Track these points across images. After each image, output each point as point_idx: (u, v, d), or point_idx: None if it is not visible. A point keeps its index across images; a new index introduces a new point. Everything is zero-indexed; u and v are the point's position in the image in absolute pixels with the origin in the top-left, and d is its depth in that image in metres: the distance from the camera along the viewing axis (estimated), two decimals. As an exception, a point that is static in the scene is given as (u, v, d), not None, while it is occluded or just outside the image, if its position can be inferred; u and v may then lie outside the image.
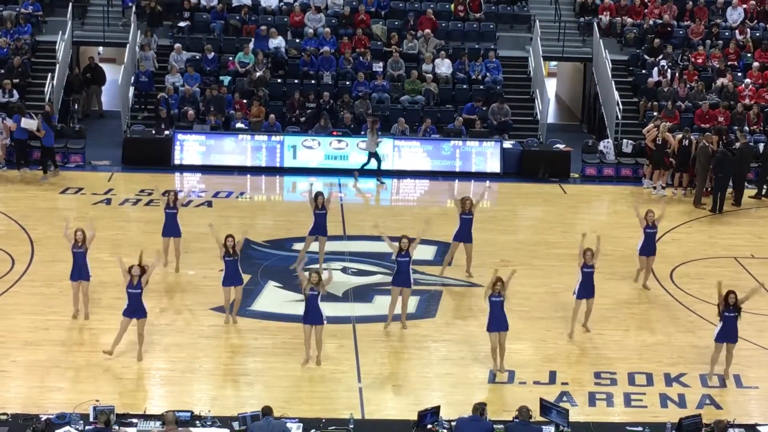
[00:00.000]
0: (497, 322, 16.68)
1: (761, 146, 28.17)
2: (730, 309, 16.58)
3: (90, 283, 18.03)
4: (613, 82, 30.89)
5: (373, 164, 27.49)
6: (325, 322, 16.73)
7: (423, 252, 21.03)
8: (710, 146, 26.46)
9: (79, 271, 17.85)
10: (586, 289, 18.05)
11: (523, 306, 19.24)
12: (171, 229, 20.18)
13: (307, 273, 16.84)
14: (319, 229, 20.30)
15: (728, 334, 16.72)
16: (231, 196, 25.88)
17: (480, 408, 13.88)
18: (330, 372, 16.68)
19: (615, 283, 20.55)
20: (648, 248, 20.21)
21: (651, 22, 33.55)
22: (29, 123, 26.33)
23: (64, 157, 27.83)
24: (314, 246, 20.49)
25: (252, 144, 28.18)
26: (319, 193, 20.32)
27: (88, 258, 17.94)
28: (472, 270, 20.69)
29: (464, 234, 20.49)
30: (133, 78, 30.63)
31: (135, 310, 16.53)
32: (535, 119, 31.36)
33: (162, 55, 31.74)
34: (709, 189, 26.65)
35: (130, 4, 32.40)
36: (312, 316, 16.64)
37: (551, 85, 37.66)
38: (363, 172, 27.46)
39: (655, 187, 27.29)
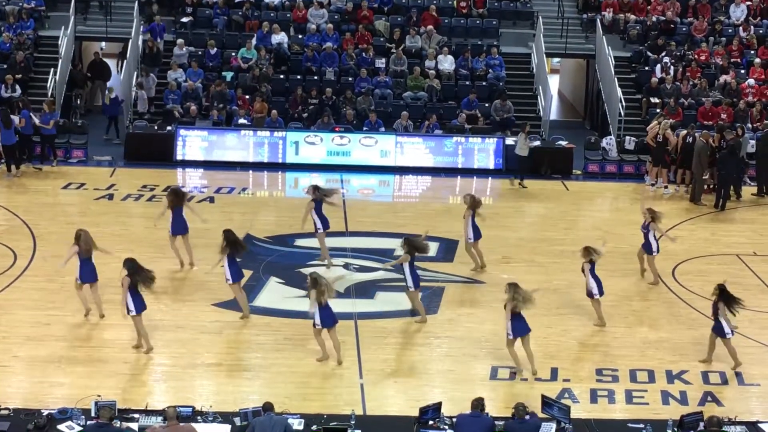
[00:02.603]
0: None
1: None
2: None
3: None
4: (615, 79, 30.87)
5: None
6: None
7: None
8: (708, 144, 26.43)
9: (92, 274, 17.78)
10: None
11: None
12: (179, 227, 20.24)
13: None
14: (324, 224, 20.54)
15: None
16: (233, 192, 25.88)
17: (480, 404, 13.87)
18: (331, 368, 16.67)
19: (617, 279, 20.52)
20: (645, 245, 20.39)
21: (654, 19, 33.54)
22: None
23: (67, 153, 27.84)
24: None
25: (254, 140, 28.18)
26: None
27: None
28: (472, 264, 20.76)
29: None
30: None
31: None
32: (537, 116, 31.32)
33: (165, 50, 31.71)
34: (711, 186, 26.66)
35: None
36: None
37: (554, 82, 37.62)
38: (518, 173, 27.39)
39: (653, 184, 27.28)
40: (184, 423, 13.61)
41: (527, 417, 13.91)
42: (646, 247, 20.37)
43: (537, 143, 28.15)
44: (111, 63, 34.49)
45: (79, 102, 31.11)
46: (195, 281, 19.78)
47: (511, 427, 13.87)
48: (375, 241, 21.98)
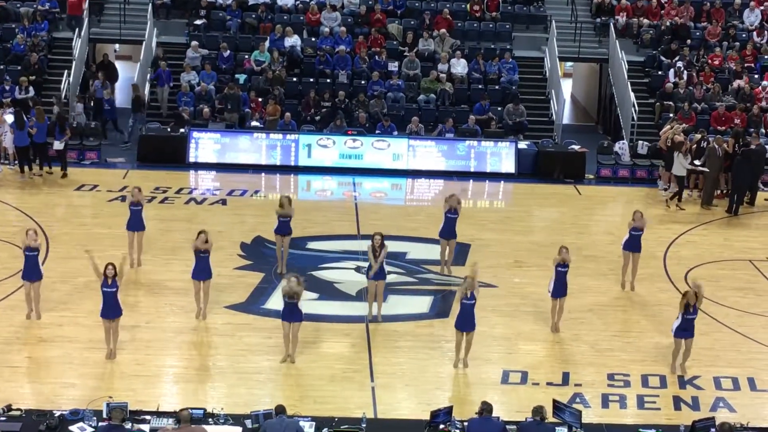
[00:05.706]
0: (463, 323, 16.87)
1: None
2: (690, 311, 16.77)
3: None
4: (629, 84, 30.83)
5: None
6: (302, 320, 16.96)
7: (437, 252, 21.05)
8: (720, 148, 26.36)
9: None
10: (560, 288, 18.33)
11: (537, 307, 19.19)
12: (136, 223, 20.34)
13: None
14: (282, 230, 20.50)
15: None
16: (246, 195, 25.91)
17: (487, 408, 13.83)
18: (343, 371, 16.69)
19: (628, 285, 20.48)
20: (633, 245, 20.27)
21: (667, 23, 33.47)
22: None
23: (80, 155, 27.89)
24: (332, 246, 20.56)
25: (267, 142, 28.20)
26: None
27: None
28: (485, 269, 20.70)
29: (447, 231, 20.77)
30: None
31: (112, 309, 16.52)
32: (550, 120, 31.30)
33: (178, 52, 31.77)
34: (725, 191, 26.59)
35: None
36: (292, 315, 16.81)
37: (567, 86, 37.58)
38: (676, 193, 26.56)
39: (666, 188, 27.20)
40: (196, 425, 13.63)
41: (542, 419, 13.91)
42: (636, 247, 20.25)
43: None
44: (122, 65, 34.54)
45: (92, 104, 30.98)
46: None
47: (528, 427, 13.80)
48: (387, 244, 21.91)
